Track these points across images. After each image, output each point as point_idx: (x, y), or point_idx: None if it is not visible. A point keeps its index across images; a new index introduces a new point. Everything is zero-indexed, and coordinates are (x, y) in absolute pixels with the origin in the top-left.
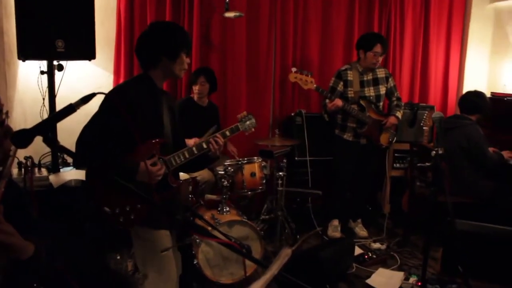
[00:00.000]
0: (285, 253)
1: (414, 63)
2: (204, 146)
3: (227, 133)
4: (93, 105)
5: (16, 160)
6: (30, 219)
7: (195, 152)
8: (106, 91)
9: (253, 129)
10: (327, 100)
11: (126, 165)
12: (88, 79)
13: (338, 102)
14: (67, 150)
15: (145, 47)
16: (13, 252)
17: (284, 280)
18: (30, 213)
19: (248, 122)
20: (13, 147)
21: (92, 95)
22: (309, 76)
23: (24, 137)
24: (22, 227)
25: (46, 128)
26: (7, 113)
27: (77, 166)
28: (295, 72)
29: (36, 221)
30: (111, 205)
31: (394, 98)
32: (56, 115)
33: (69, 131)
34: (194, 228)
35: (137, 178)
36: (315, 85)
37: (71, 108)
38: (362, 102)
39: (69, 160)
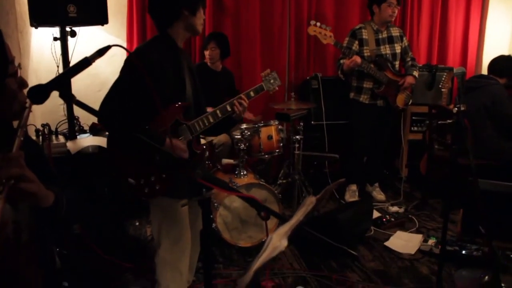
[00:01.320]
0: (310, 201)
1: (433, 23)
2: (228, 108)
3: (252, 93)
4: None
5: (33, 128)
6: (49, 171)
7: (219, 115)
8: (120, 58)
9: (277, 88)
10: (342, 61)
11: (151, 139)
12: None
13: (357, 59)
14: (84, 105)
15: (164, 1)
16: (35, 198)
17: (301, 236)
18: (48, 166)
19: (272, 81)
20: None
21: (108, 47)
22: (328, 30)
23: (40, 92)
24: (41, 177)
25: (62, 83)
26: (19, 65)
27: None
28: (314, 25)
29: (55, 174)
30: (136, 176)
31: (409, 58)
32: (72, 69)
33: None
34: (214, 182)
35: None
36: (334, 40)
37: (86, 62)
38: (379, 60)
39: (86, 127)
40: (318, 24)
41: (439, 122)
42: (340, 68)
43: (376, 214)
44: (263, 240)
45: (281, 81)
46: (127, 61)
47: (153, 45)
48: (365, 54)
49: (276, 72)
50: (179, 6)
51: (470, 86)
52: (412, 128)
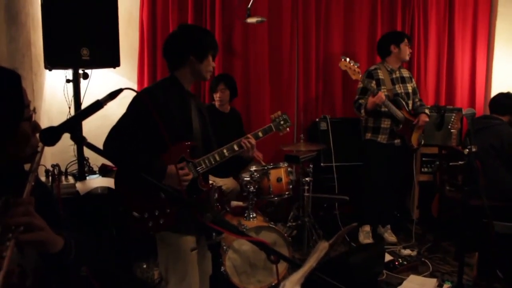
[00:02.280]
0: (323, 246)
1: (440, 65)
2: (236, 148)
3: (260, 134)
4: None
5: (43, 168)
6: (58, 215)
7: (226, 154)
8: (130, 100)
9: (287, 129)
10: (362, 100)
11: (154, 167)
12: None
13: (382, 95)
14: (95, 148)
15: (174, 46)
16: (43, 245)
17: (312, 280)
18: (57, 210)
19: (282, 122)
20: (40, 143)
21: (120, 91)
22: (357, 66)
23: (52, 134)
24: (50, 222)
25: (74, 125)
26: (34, 109)
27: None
28: (344, 60)
29: (64, 218)
30: (140, 210)
31: (417, 99)
32: (83, 112)
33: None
34: (223, 226)
35: (164, 182)
36: (361, 76)
37: (98, 105)
38: (396, 99)
39: (95, 168)
40: (348, 59)
41: (450, 164)
42: (364, 107)
43: (388, 257)
44: (273, 284)
45: (291, 122)
46: (134, 99)
47: (160, 85)
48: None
49: (286, 113)
50: (187, 51)
51: (477, 128)
52: (422, 169)
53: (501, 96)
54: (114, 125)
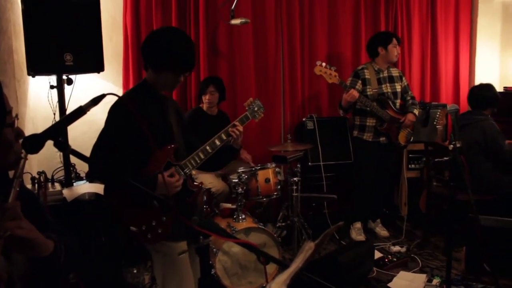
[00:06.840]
0: (309, 246)
1: (424, 62)
2: (217, 142)
3: (236, 124)
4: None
5: (29, 176)
6: (47, 220)
7: (210, 150)
8: (116, 106)
9: (262, 115)
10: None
11: (143, 179)
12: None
13: (354, 92)
14: (79, 154)
15: (141, 49)
16: (34, 248)
17: (300, 280)
18: (45, 214)
19: (256, 108)
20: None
21: (102, 96)
22: (333, 70)
23: (35, 142)
24: (39, 227)
25: (57, 132)
26: (16, 115)
27: (90, 178)
28: (320, 65)
29: (52, 222)
30: (137, 223)
31: (409, 97)
32: (66, 118)
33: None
34: (211, 229)
35: (156, 191)
36: (339, 79)
37: (81, 111)
38: (381, 99)
39: (82, 174)
40: (324, 64)
41: (436, 160)
42: (339, 104)
43: (378, 254)
44: (264, 285)
45: (277, 123)
46: (110, 111)
47: (134, 92)
48: (368, 93)
49: (258, 99)
50: (145, 59)
51: (462, 124)
52: (410, 166)
53: (476, 89)
54: (96, 142)
